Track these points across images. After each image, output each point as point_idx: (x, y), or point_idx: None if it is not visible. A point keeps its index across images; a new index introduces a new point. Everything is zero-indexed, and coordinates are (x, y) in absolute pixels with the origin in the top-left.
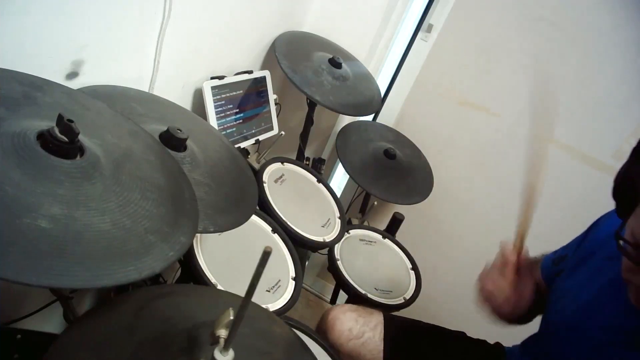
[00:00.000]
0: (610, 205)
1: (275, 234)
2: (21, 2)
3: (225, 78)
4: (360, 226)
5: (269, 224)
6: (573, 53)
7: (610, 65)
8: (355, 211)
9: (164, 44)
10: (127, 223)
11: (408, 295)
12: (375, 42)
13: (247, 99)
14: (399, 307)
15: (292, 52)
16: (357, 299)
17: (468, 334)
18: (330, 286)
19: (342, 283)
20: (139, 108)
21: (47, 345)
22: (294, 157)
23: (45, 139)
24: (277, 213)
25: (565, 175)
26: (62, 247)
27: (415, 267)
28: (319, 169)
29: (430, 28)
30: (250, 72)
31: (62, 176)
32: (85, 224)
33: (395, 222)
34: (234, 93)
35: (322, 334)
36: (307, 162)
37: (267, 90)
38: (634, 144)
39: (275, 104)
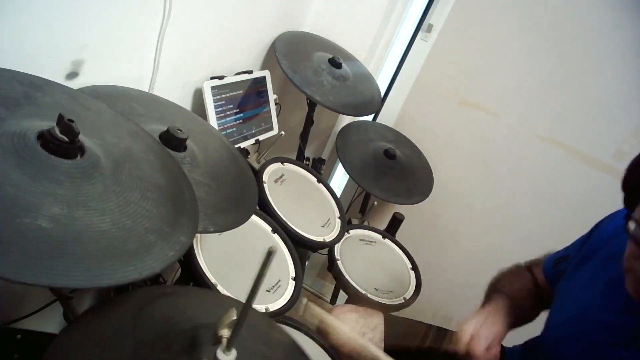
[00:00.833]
0: (610, 205)
1: (275, 234)
2: (21, 2)
3: (225, 78)
4: (360, 226)
5: (269, 224)
6: (573, 53)
7: (610, 65)
8: (355, 211)
9: (164, 44)
10: (127, 223)
11: (408, 295)
12: (375, 42)
13: (247, 99)
14: (399, 307)
15: (292, 52)
16: (357, 299)
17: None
18: (330, 286)
19: (342, 283)
20: (139, 108)
21: (47, 345)
22: (294, 157)
23: (45, 139)
24: (277, 213)
25: (565, 175)
26: (62, 247)
27: (415, 267)
28: (319, 169)
29: (430, 28)
30: (250, 72)
31: (62, 176)
32: (85, 224)
33: (395, 222)
34: (234, 93)
35: (322, 335)
36: (307, 162)
37: (267, 90)
38: (634, 143)
39: (275, 104)
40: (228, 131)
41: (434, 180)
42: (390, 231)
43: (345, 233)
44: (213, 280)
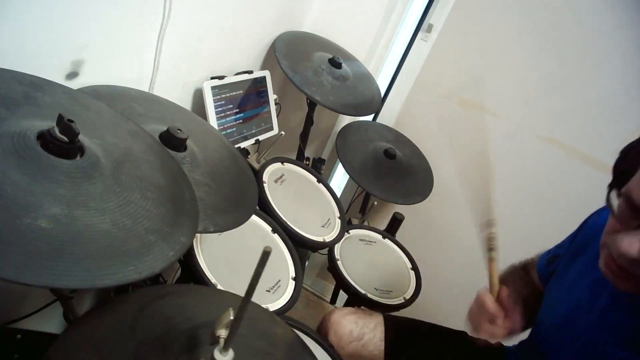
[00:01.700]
0: None
1: (275, 234)
2: (21, 2)
3: (225, 78)
4: (360, 226)
5: (269, 224)
6: (573, 53)
7: (610, 65)
8: (355, 211)
9: (164, 44)
10: (127, 223)
11: (408, 295)
12: (375, 42)
13: (247, 99)
14: (399, 307)
15: (292, 52)
16: (357, 299)
17: (469, 334)
18: (330, 286)
19: (342, 283)
20: (139, 108)
21: (47, 345)
22: (294, 157)
23: (45, 139)
24: (277, 213)
25: (565, 175)
26: (62, 247)
27: (415, 267)
28: (319, 169)
29: (430, 28)
30: (250, 72)
31: (62, 176)
32: (85, 224)
33: (395, 222)
34: (234, 93)
35: (322, 338)
36: (307, 162)
37: (267, 90)
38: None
39: (275, 104)
40: (228, 131)
41: (433, 180)
42: (390, 231)
43: (345, 233)
44: (213, 280)
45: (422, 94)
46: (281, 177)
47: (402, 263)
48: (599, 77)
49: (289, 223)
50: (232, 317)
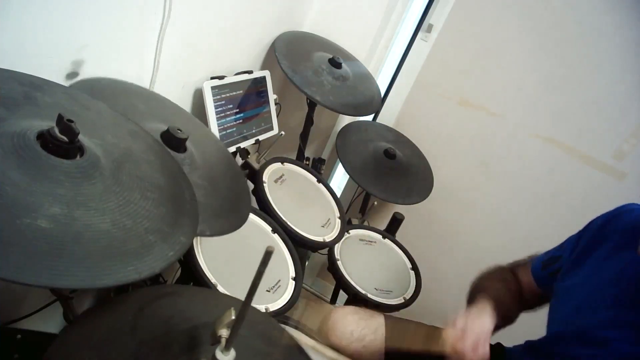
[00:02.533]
0: (610, 205)
1: (275, 234)
2: (21, 1)
3: (225, 78)
4: (360, 226)
5: (269, 224)
6: (573, 53)
7: (610, 65)
8: (355, 211)
9: (164, 44)
10: (127, 223)
11: (408, 295)
12: (375, 42)
13: (247, 99)
14: (399, 307)
15: (292, 52)
16: (357, 299)
17: None
18: (330, 286)
19: (342, 283)
20: (140, 105)
21: (47, 345)
22: (294, 157)
23: (45, 139)
24: (277, 213)
25: (565, 175)
26: (62, 247)
27: (415, 267)
28: (319, 169)
29: (430, 28)
30: (250, 72)
31: (62, 176)
32: (85, 224)
33: (395, 222)
34: (234, 93)
35: (323, 337)
36: (307, 162)
37: (267, 90)
38: (634, 143)
39: (275, 104)
40: (228, 131)
41: (434, 180)
42: (390, 231)
43: (345, 233)
44: (213, 280)
45: (422, 94)
46: (281, 177)
47: (402, 263)
48: (599, 77)
49: (289, 223)
50: (233, 317)
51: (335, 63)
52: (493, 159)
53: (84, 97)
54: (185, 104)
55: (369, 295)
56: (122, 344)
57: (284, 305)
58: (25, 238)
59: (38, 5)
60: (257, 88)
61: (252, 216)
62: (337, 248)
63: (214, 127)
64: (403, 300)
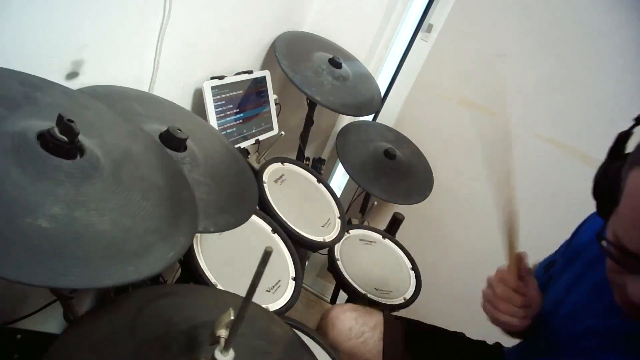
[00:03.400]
0: None
1: (275, 234)
2: (21, 2)
3: (225, 78)
4: (360, 226)
5: (269, 224)
6: (573, 53)
7: (610, 65)
8: (355, 211)
9: (164, 44)
10: (127, 223)
11: (408, 295)
12: (375, 42)
13: (247, 99)
14: (399, 307)
15: (292, 52)
16: (357, 298)
17: (467, 335)
18: (330, 286)
19: (342, 283)
20: (139, 108)
21: (47, 345)
22: (294, 157)
23: (45, 139)
24: (277, 213)
25: (565, 175)
26: (62, 247)
27: (415, 267)
28: (319, 169)
29: (430, 28)
30: (250, 72)
31: (62, 176)
32: (85, 224)
33: (395, 222)
34: (234, 93)
35: (322, 333)
36: (307, 162)
37: (267, 90)
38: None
39: (275, 104)
40: (228, 131)
41: (434, 180)
42: (390, 231)
43: (345, 233)
44: (213, 280)
45: (422, 94)
46: (281, 177)
47: (402, 263)
48: (599, 77)
49: (289, 223)
50: (232, 317)
51: (335, 63)
52: (493, 159)
53: (84, 97)
54: (185, 104)
55: (369, 295)
56: (122, 344)
57: (284, 305)
58: (26, 238)
59: (38, 5)
60: (257, 88)
61: (252, 216)
62: (337, 248)
63: (213, 127)
64: (403, 300)
